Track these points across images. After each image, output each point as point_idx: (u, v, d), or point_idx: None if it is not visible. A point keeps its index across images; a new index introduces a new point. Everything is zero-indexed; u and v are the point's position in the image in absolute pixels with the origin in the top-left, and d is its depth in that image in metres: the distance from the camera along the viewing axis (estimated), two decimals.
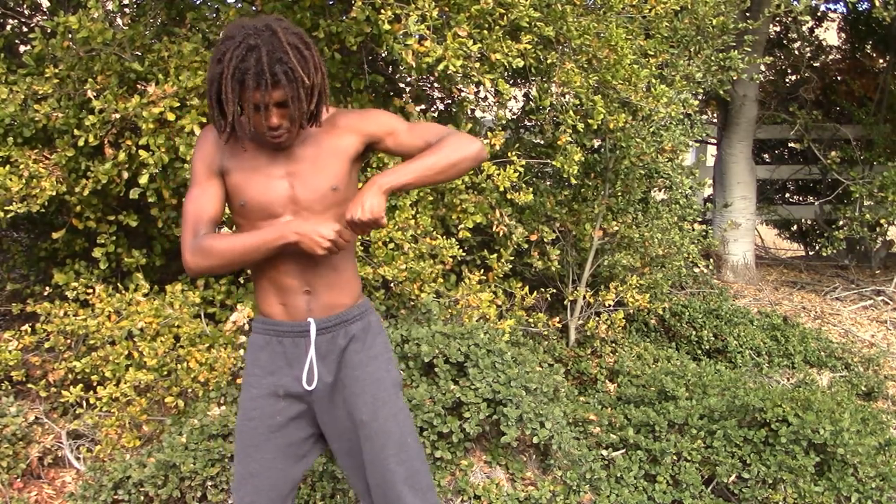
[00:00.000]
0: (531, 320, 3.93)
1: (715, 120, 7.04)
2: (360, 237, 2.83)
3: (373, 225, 1.73)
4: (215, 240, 1.78)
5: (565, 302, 4.23)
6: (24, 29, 4.13)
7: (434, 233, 3.46)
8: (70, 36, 3.13)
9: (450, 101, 4.36)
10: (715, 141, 6.87)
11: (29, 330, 3.36)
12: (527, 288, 3.83)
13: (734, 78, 4.60)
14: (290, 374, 1.89)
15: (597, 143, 4.32)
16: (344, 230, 1.75)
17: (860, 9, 6.63)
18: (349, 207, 1.75)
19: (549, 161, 3.82)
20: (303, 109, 1.74)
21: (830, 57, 7.47)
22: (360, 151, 1.88)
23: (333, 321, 1.89)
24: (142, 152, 3.09)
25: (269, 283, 1.88)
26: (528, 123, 4.53)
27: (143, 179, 3.13)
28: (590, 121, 3.44)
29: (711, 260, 5.97)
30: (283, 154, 1.84)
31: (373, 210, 1.72)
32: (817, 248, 7.18)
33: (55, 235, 3.53)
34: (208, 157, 1.85)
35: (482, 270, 3.70)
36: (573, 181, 3.69)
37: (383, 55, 3.99)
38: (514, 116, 4.53)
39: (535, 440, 3.00)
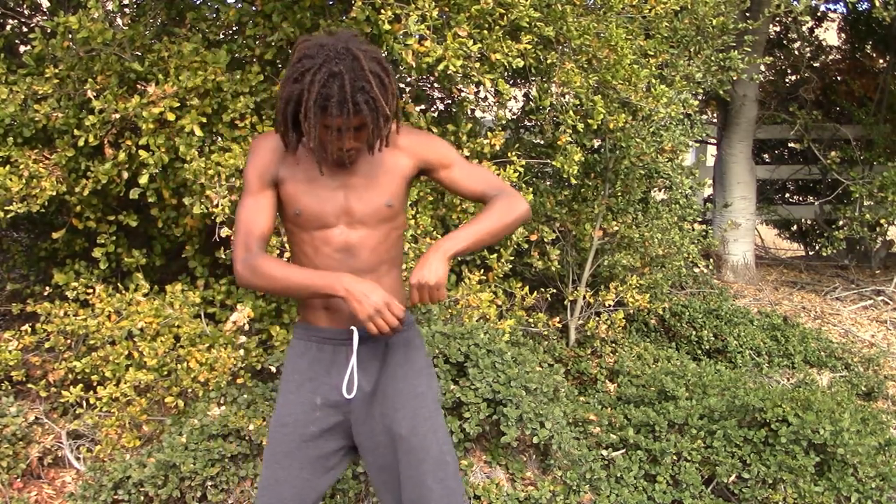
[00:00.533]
0: (531, 320, 3.93)
1: (715, 120, 7.03)
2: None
3: (435, 292, 1.75)
4: (268, 263, 1.79)
5: (565, 302, 4.23)
6: (24, 29, 4.13)
7: (434, 233, 3.46)
8: (70, 36, 3.13)
9: (450, 101, 4.36)
10: (715, 141, 6.87)
11: (29, 330, 3.36)
12: (527, 288, 3.83)
13: (734, 78, 4.60)
14: (328, 382, 1.87)
15: (597, 143, 4.32)
16: (393, 303, 1.73)
17: (860, 9, 6.63)
18: (414, 271, 1.76)
19: (549, 161, 3.82)
20: (380, 136, 1.76)
21: (830, 57, 7.46)
22: (413, 174, 1.90)
23: None
24: (142, 152, 3.09)
25: None
26: (528, 123, 4.53)
27: (143, 179, 3.13)
28: (590, 121, 3.43)
29: (711, 260, 5.97)
30: (340, 166, 1.85)
31: (438, 275, 1.74)
32: (817, 248, 7.18)
33: (55, 235, 3.53)
34: (262, 165, 1.85)
35: (482, 270, 3.70)
36: (573, 181, 3.68)
37: (383, 55, 3.99)
38: (514, 116, 4.53)
39: (535, 440, 3.00)
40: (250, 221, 1.83)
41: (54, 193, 3.21)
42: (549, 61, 3.46)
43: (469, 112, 4.26)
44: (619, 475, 3.13)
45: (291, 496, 1.87)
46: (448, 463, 1.84)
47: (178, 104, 3.06)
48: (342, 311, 1.86)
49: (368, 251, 1.85)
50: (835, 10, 7.40)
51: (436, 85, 4.26)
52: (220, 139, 3.25)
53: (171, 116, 3.03)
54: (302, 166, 1.84)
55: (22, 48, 4.11)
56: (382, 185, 1.85)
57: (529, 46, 3.14)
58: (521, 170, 3.47)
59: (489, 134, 3.54)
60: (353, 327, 1.86)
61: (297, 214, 1.84)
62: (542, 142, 4.18)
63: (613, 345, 4.31)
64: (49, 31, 3.23)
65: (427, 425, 1.84)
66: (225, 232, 3.14)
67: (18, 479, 3.07)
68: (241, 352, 3.26)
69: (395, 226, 1.88)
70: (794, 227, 7.69)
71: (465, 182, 1.92)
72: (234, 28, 3.67)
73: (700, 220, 5.69)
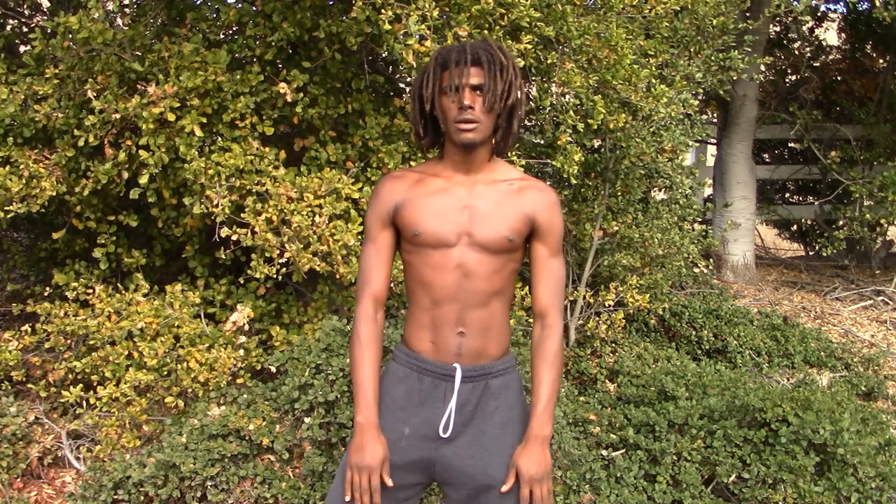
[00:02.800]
0: (531, 320, 3.93)
1: (715, 120, 7.04)
2: None
3: (546, 483, 1.79)
4: (361, 339, 1.83)
5: (565, 302, 4.23)
6: (24, 29, 4.13)
7: None
8: (70, 36, 3.13)
9: None
10: (715, 141, 6.88)
11: (29, 330, 3.36)
12: (527, 288, 3.83)
13: (734, 78, 4.60)
14: (421, 415, 1.85)
15: (597, 143, 4.32)
16: (375, 476, 1.78)
17: (860, 9, 6.64)
18: (521, 460, 1.79)
19: (549, 161, 3.82)
20: (496, 93, 1.75)
21: (830, 57, 7.47)
22: (528, 229, 1.88)
23: (479, 371, 1.86)
24: (142, 152, 3.09)
25: (426, 317, 1.86)
26: (528, 123, 4.53)
27: (143, 179, 3.13)
28: (590, 121, 3.43)
29: (711, 260, 5.97)
30: (466, 187, 1.84)
31: (547, 466, 1.79)
32: (817, 248, 7.18)
33: (55, 235, 3.53)
34: (381, 205, 1.86)
35: None
36: (573, 181, 3.68)
37: (383, 55, 3.99)
38: None
39: None
40: (368, 273, 1.86)
41: (54, 193, 3.21)
42: (549, 61, 3.46)
43: None
44: (619, 475, 3.13)
45: None
46: None
47: (179, 104, 3.06)
48: (449, 345, 1.85)
49: (485, 276, 1.83)
50: (835, 10, 7.41)
51: None
52: (220, 139, 3.25)
53: (171, 116, 3.03)
54: (423, 188, 1.85)
55: (22, 48, 4.12)
56: (506, 217, 1.84)
57: (529, 46, 3.14)
58: (521, 170, 3.47)
59: None
60: (456, 364, 1.84)
61: (415, 235, 1.82)
62: (542, 142, 4.18)
63: (613, 345, 4.30)
64: (49, 31, 3.23)
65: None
66: (225, 232, 3.14)
67: (18, 479, 3.07)
68: (241, 352, 3.26)
69: (512, 258, 1.86)
70: (794, 227, 7.69)
71: (542, 279, 1.89)
72: (235, 28, 3.67)
73: (700, 220, 5.69)
